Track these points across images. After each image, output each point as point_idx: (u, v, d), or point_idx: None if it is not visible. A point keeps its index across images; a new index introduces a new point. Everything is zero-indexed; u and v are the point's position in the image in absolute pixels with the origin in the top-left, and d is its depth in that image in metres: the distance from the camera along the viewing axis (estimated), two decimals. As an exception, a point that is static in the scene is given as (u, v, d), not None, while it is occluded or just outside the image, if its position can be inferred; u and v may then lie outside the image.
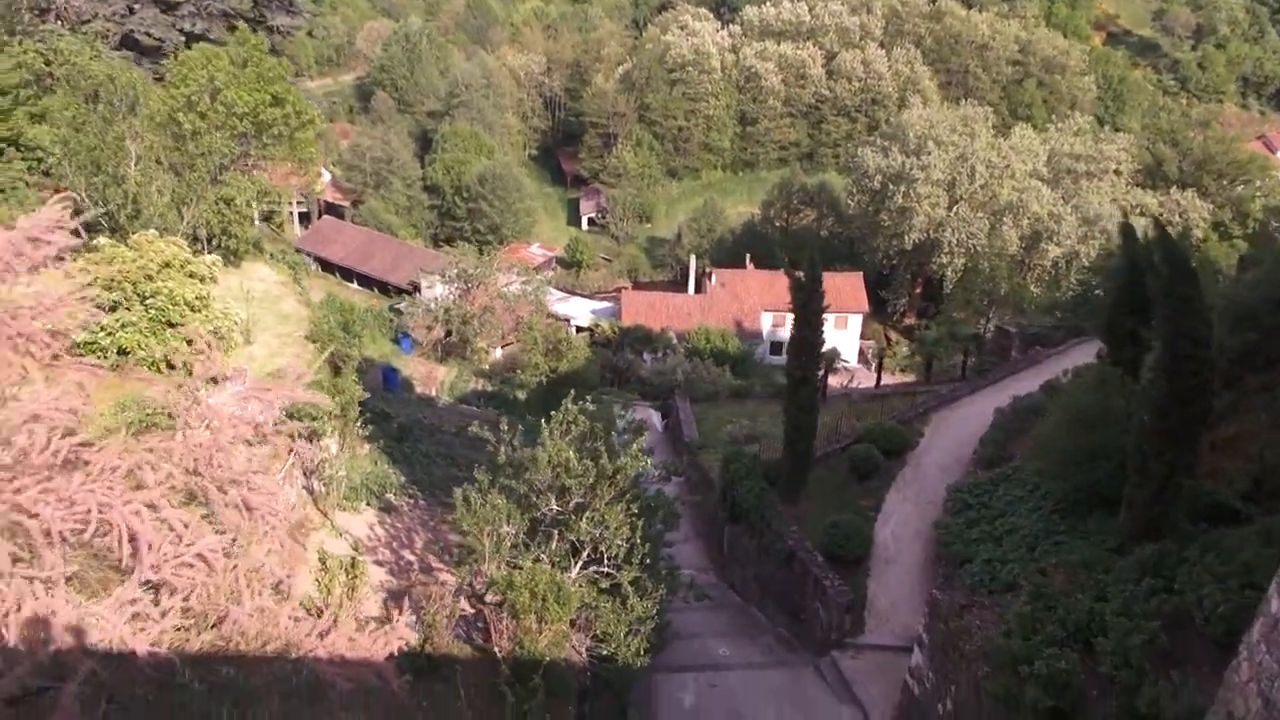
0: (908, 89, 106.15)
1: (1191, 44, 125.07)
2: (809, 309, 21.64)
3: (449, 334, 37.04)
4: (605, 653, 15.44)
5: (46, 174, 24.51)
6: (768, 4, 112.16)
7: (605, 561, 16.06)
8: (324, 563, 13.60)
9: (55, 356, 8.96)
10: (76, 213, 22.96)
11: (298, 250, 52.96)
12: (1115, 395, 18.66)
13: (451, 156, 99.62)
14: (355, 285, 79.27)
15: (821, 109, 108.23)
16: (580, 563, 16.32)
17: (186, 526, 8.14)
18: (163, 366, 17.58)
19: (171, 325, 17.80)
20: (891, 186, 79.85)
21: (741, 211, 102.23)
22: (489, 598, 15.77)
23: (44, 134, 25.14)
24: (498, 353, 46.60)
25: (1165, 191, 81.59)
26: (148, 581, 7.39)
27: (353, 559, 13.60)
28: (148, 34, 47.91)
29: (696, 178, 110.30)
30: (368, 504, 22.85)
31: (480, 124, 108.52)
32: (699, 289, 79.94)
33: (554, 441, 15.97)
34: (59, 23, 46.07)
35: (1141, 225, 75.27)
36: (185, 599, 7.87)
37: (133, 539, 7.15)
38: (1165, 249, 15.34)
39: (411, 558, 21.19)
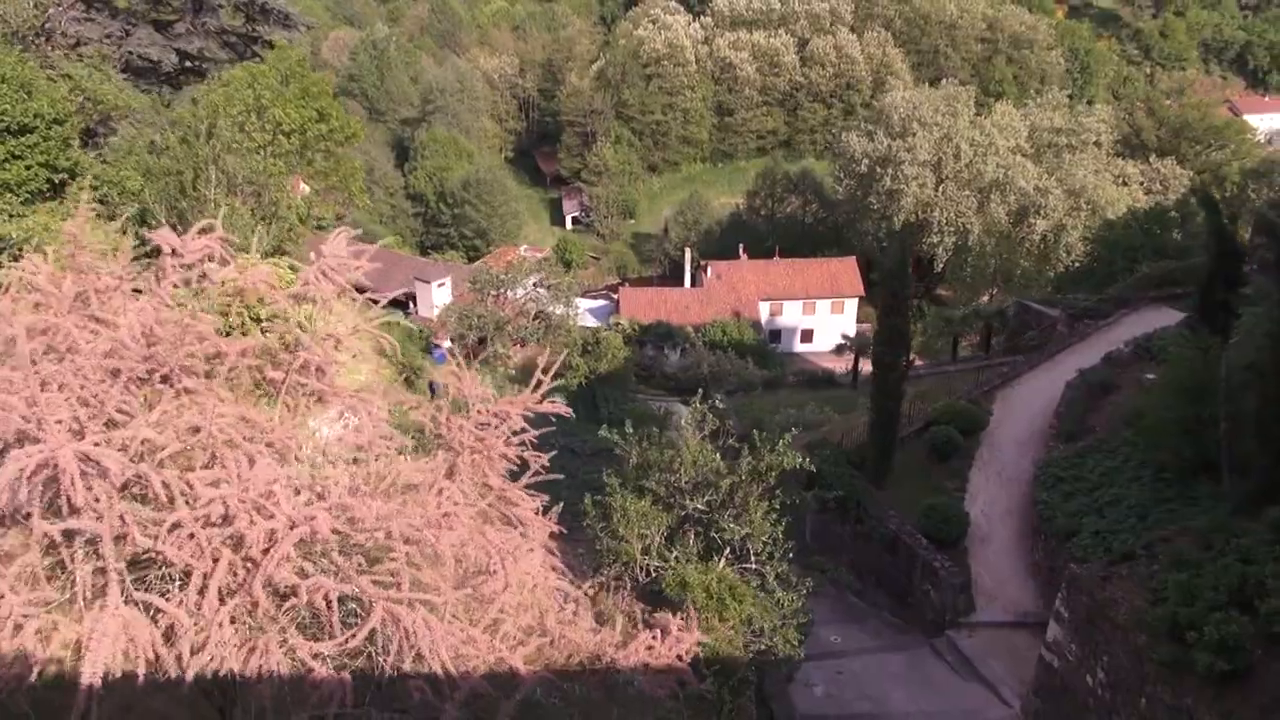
0: (881, 72, 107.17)
1: (1152, 13, 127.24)
2: (897, 297, 21.88)
3: (482, 341, 36.96)
4: (763, 646, 15.55)
5: (103, 201, 24.02)
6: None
7: (752, 558, 16.17)
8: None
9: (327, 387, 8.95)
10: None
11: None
12: (1216, 365, 19.06)
13: (432, 163, 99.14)
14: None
15: (797, 96, 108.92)
16: (723, 559, 16.42)
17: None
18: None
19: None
20: (879, 170, 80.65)
21: (724, 202, 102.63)
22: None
23: (93, 164, 24.52)
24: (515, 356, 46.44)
25: (1145, 160, 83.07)
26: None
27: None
28: (143, 56, 46.94)
29: (677, 171, 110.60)
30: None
31: (457, 129, 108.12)
32: (695, 282, 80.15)
33: (697, 442, 16.05)
34: (50, 47, 45.15)
35: (1127, 193, 76.55)
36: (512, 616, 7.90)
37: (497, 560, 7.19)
38: (1212, 220, 15.70)
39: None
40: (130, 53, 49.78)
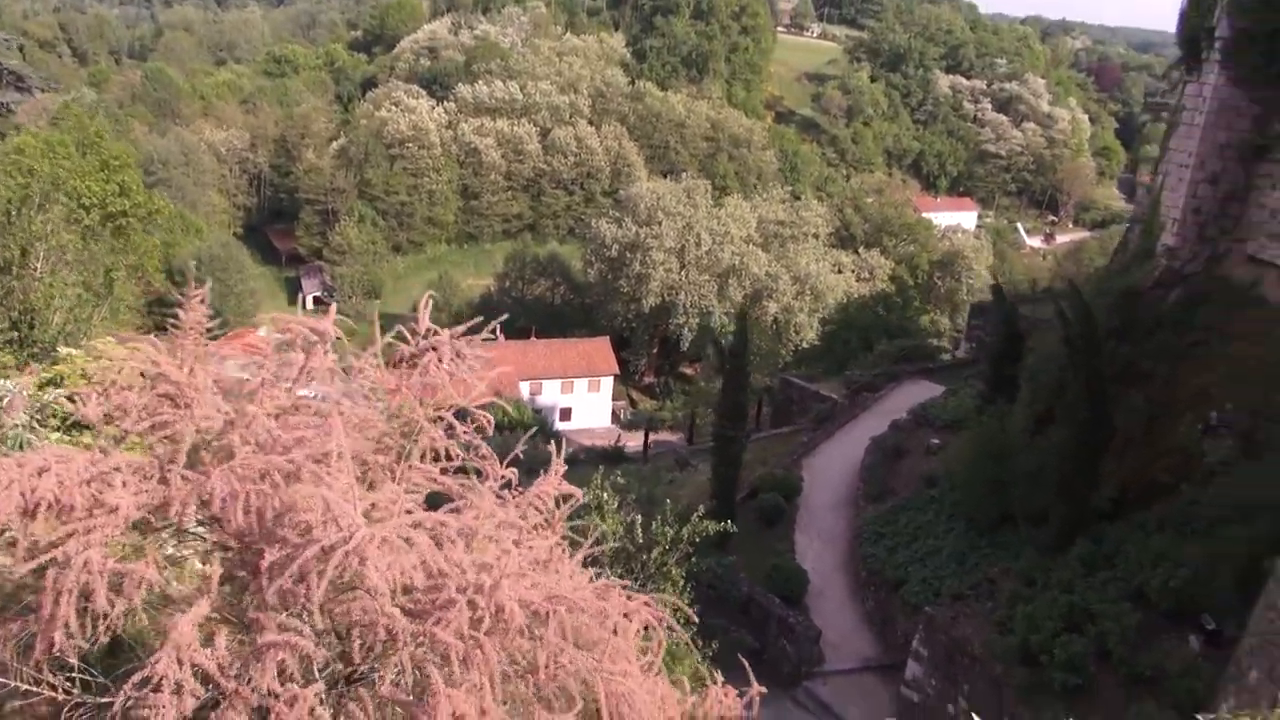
0: (619, 163, 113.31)
1: (845, 122, 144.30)
2: (739, 375, 23.86)
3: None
4: (684, 709, 16.35)
5: None
6: (480, 83, 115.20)
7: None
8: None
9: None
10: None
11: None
12: (1008, 433, 22.54)
13: (157, 238, 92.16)
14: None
15: (540, 182, 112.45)
16: (633, 629, 17.12)
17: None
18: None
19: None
20: (628, 255, 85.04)
21: (472, 284, 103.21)
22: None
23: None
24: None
25: (855, 250, 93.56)
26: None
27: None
28: None
29: (422, 252, 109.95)
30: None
31: (182, 203, 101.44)
32: (453, 363, 79.74)
33: (614, 515, 16.81)
34: None
35: (843, 280, 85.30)
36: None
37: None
38: (1076, 306, 19.22)
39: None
40: None
